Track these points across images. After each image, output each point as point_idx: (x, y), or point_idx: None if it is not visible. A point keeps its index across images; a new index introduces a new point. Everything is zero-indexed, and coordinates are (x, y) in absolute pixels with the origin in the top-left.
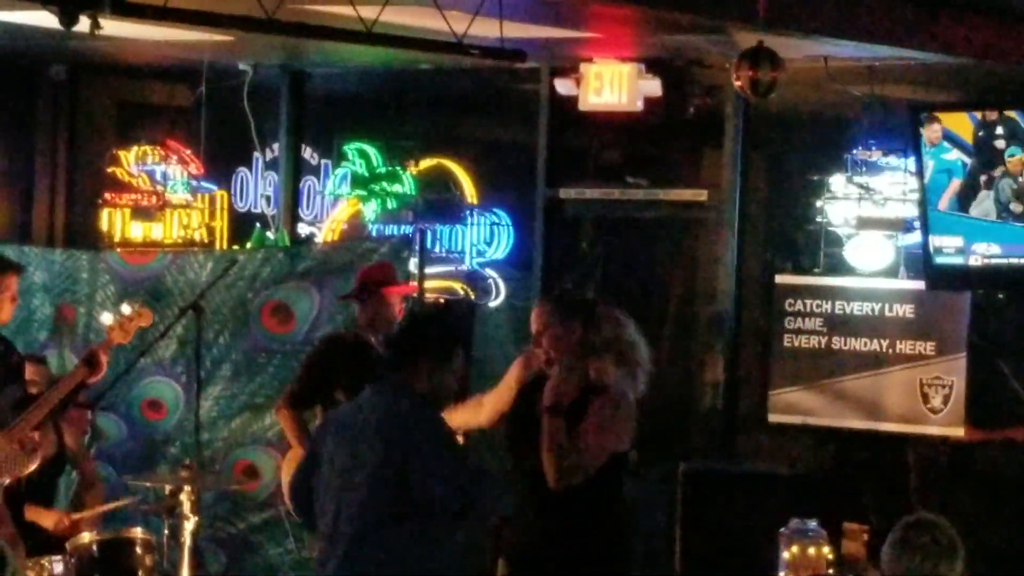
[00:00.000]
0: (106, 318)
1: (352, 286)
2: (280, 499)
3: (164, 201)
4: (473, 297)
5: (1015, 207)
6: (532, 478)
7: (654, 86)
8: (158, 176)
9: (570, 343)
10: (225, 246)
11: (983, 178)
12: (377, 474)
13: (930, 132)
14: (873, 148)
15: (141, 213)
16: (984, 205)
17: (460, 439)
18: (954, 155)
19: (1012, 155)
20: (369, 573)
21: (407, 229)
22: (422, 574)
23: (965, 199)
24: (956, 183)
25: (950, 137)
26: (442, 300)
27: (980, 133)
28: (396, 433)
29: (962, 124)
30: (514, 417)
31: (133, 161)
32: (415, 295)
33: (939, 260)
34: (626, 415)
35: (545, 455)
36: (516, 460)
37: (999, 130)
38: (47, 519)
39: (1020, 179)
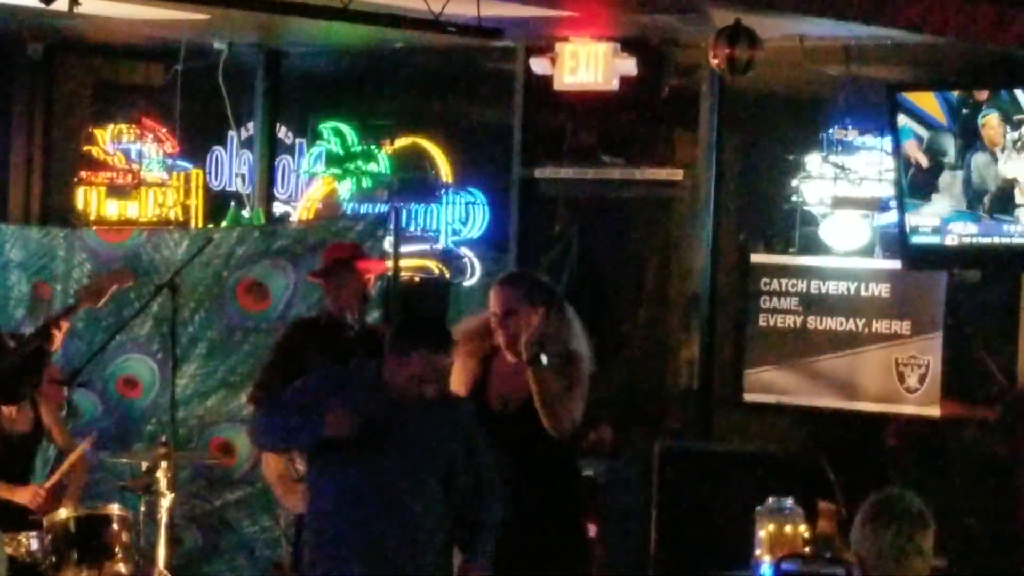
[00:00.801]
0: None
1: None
2: (256, 476)
3: (139, 179)
4: (448, 276)
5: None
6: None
7: (629, 65)
8: (133, 154)
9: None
10: (200, 224)
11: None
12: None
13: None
14: (849, 128)
15: (116, 191)
16: (954, 190)
17: None
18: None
19: (985, 115)
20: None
21: (382, 208)
22: None
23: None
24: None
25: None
26: (417, 279)
27: (954, 111)
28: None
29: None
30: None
31: (109, 139)
32: (388, 273)
33: (915, 240)
34: (585, 388)
35: (541, 407)
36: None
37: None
38: (22, 495)
39: (995, 153)
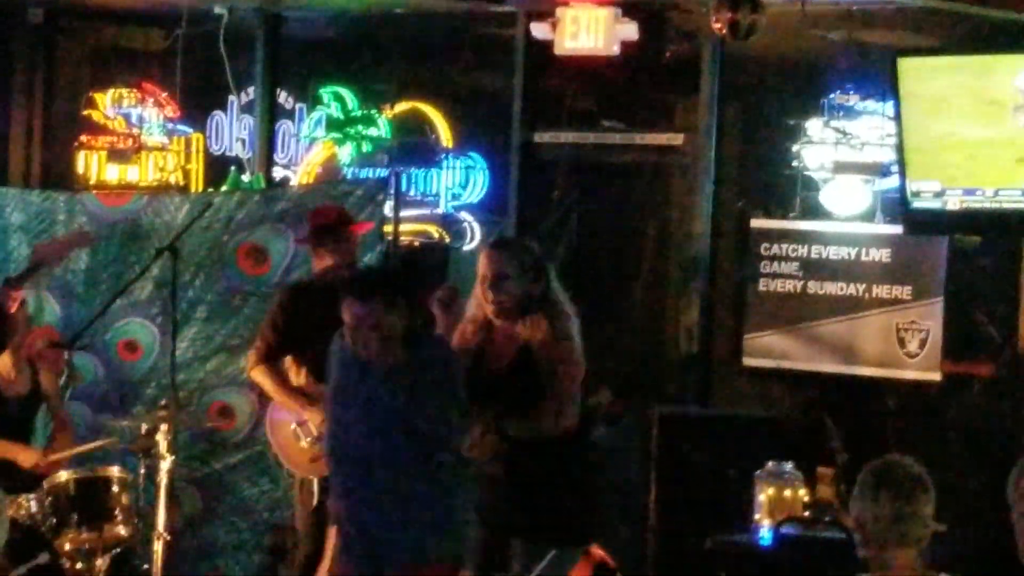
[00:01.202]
0: None
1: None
2: (256, 439)
3: (140, 144)
4: (448, 240)
5: None
6: (489, 433)
7: (630, 30)
8: (134, 119)
9: (518, 291)
10: (200, 189)
11: None
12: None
13: None
14: (850, 92)
15: (117, 155)
16: None
17: None
18: None
19: None
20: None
21: (382, 172)
22: None
23: None
24: None
25: None
26: (416, 243)
27: None
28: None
29: None
30: (469, 371)
31: (109, 104)
32: (389, 237)
33: (916, 204)
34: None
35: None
36: (475, 414)
37: None
38: (25, 457)
39: None
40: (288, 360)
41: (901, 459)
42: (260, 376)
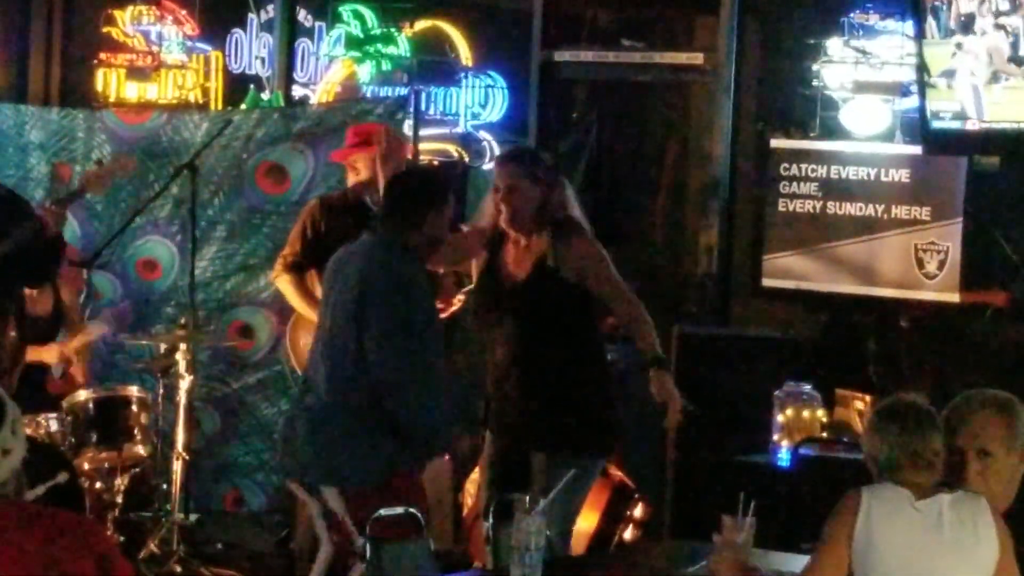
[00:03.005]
0: None
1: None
2: (275, 359)
3: (159, 61)
4: (467, 159)
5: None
6: (507, 347)
7: None
8: (153, 36)
9: (532, 202)
10: (220, 107)
11: None
12: (345, 313)
13: None
14: (871, 11)
15: (136, 73)
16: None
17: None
18: None
19: None
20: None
21: (402, 91)
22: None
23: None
24: None
25: None
26: (436, 162)
27: None
28: (364, 276)
29: None
30: (481, 288)
31: (128, 21)
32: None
33: (936, 125)
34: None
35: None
36: (488, 331)
37: None
38: (50, 355)
39: None
40: (313, 273)
41: (909, 396)
42: (284, 285)
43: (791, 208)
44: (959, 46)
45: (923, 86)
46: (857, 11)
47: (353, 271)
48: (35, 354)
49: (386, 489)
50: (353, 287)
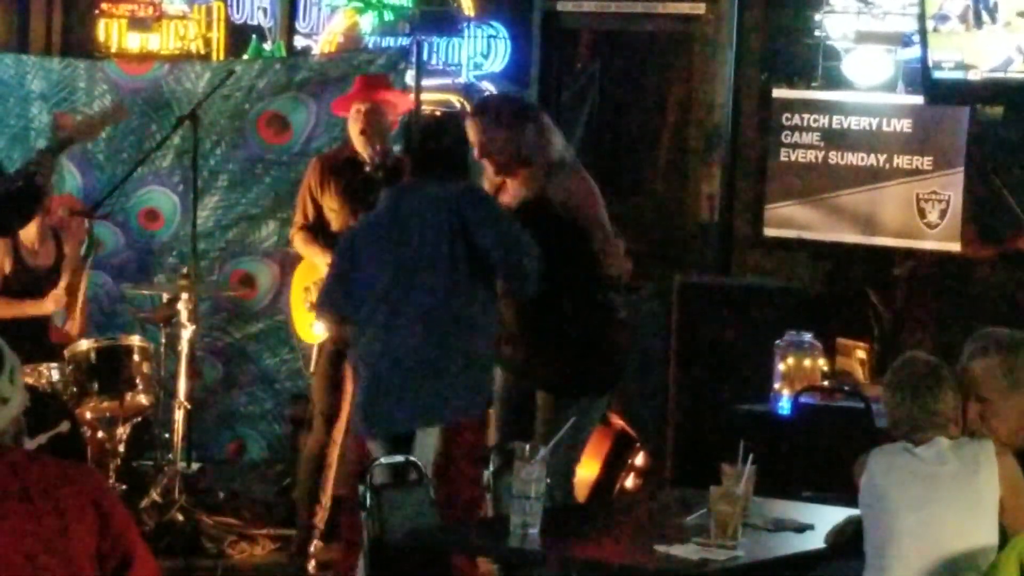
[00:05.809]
0: None
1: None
2: (277, 309)
3: (161, 12)
4: (469, 110)
5: None
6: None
7: None
8: None
9: (507, 150)
10: (221, 58)
11: None
12: (446, 246)
13: None
14: None
15: (138, 23)
16: None
17: None
18: None
19: None
20: (446, 343)
21: (404, 41)
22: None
23: None
24: None
25: None
26: (438, 112)
27: None
28: (452, 204)
29: None
30: None
31: None
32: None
33: (938, 74)
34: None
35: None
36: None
37: None
38: (46, 305)
39: None
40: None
41: (922, 355)
42: (300, 243)
43: (793, 158)
44: None
45: (924, 35)
46: None
47: (430, 212)
48: (35, 308)
49: (480, 424)
50: (442, 223)
